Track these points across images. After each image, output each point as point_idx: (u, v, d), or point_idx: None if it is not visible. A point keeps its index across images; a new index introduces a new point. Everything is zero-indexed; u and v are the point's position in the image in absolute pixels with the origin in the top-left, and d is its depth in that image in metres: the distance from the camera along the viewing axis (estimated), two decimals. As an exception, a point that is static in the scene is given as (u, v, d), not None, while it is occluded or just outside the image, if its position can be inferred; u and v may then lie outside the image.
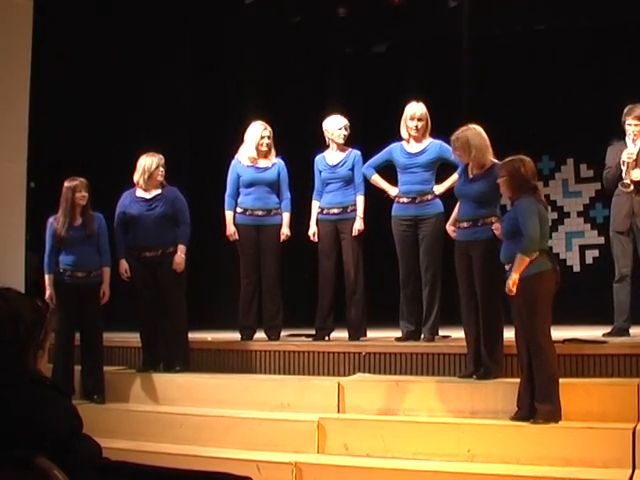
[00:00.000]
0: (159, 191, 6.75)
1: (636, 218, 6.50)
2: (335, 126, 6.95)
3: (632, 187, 6.44)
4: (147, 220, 6.68)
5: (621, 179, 6.50)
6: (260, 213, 7.02)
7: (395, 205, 6.71)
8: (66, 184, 6.47)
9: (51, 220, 6.51)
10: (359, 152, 6.97)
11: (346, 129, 6.95)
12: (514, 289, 5.10)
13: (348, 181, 6.92)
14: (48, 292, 6.42)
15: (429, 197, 6.59)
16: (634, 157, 6.45)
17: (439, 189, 6.60)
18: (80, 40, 8.95)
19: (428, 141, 6.67)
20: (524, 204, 5.25)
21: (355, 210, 6.85)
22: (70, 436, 2.39)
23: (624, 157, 6.48)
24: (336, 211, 6.95)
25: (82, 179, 6.49)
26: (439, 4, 9.62)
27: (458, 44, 9.56)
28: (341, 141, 6.95)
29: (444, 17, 9.69)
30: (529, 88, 9.76)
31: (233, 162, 7.13)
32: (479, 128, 5.87)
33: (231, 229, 7.04)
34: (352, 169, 6.90)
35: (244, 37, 9.85)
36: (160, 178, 6.74)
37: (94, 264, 6.50)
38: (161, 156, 6.76)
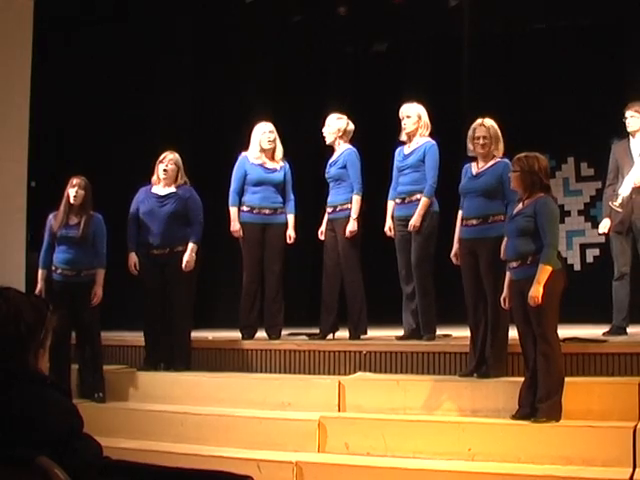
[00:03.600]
0: (173, 189, 6.76)
1: (636, 219, 6.53)
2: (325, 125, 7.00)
3: (621, 209, 6.50)
4: (156, 217, 6.69)
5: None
6: (267, 212, 7.01)
7: (394, 206, 6.72)
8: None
9: (51, 217, 6.52)
10: (351, 149, 6.92)
11: (328, 127, 6.94)
12: (540, 300, 5.02)
13: (338, 180, 6.90)
14: (38, 287, 6.42)
15: (418, 196, 6.54)
16: (638, 181, 6.49)
17: (417, 219, 6.48)
18: (81, 39, 8.96)
19: (422, 141, 6.65)
20: (548, 206, 5.21)
21: (344, 210, 6.83)
22: (70, 435, 2.39)
23: (630, 176, 6.51)
24: (330, 210, 6.97)
25: (82, 178, 6.47)
26: (439, 3, 9.62)
27: (458, 43, 9.56)
28: (327, 141, 6.97)
29: (444, 16, 9.69)
30: (530, 87, 9.76)
31: (240, 158, 7.09)
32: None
33: (236, 226, 7.01)
34: (344, 167, 6.88)
35: (244, 36, 9.85)
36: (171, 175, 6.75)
37: (85, 264, 6.43)
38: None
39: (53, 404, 2.42)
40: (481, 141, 5.84)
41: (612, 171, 6.80)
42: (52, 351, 6.33)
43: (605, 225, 6.71)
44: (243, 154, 7.10)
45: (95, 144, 9.01)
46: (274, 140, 7.04)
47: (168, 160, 6.74)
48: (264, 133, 7.01)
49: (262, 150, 7.01)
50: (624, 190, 6.51)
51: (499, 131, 5.90)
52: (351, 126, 7.01)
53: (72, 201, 6.43)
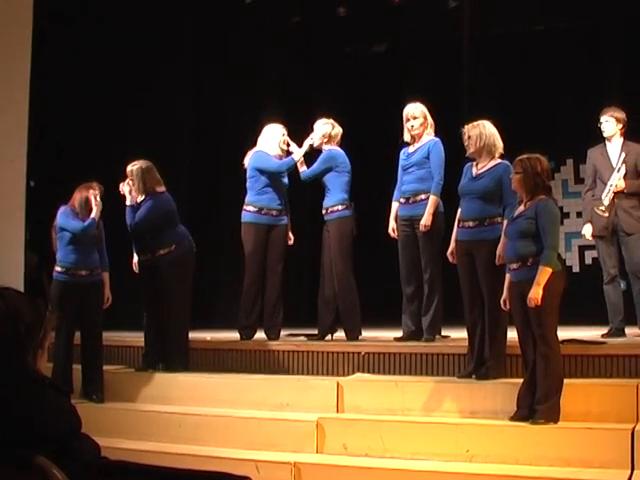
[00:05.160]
0: (142, 198, 6.75)
1: (620, 222, 6.54)
2: None
3: (607, 214, 6.53)
4: (135, 225, 6.74)
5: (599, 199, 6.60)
6: (274, 213, 7.01)
7: (398, 206, 6.70)
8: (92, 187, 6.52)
9: (67, 211, 6.46)
10: (328, 150, 6.91)
11: (314, 132, 6.95)
12: (539, 302, 5.02)
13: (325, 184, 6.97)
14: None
15: (422, 197, 6.53)
16: (620, 185, 6.53)
17: (427, 219, 6.45)
18: (81, 38, 8.95)
19: (426, 139, 6.62)
20: (550, 208, 5.22)
21: (334, 212, 6.87)
22: (69, 435, 2.39)
23: (612, 181, 6.55)
24: (324, 212, 6.99)
25: (99, 184, 6.55)
26: (439, 4, 9.63)
27: (458, 44, 9.56)
28: (314, 145, 6.99)
29: (444, 17, 9.70)
30: (529, 88, 9.78)
31: (262, 154, 7.00)
32: (489, 124, 5.90)
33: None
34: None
35: (244, 36, 9.85)
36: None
37: (97, 265, 6.53)
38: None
39: (51, 404, 2.41)
40: (465, 142, 5.87)
41: (590, 176, 6.85)
42: (57, 350, 6.37)
43: (588, 230, 6.74)
44: (260, 150, 7.03)
45: (94, 144, 8.99)
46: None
47: (128, 174, 6.75)
48: (284, 134, 7.05)
49: (282, 151, 7.02)
50: (607, 195, 6.53)
51: (487, 128, 5.84)
52: (337, 130, 6.98)
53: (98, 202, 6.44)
